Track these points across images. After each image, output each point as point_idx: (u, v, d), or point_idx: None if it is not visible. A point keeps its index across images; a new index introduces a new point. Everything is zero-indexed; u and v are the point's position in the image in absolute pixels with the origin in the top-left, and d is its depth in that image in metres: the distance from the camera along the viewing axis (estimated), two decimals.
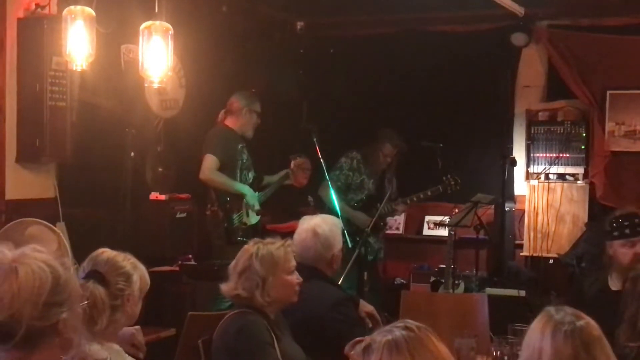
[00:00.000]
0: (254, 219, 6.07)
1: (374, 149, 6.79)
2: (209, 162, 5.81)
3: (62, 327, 1.90)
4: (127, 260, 2.82)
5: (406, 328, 1.79)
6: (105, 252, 2.80)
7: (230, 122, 6.03)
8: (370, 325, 4.09)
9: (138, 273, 2.82)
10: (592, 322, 2.22)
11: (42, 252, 1.94)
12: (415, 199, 6.77)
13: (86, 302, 2.45)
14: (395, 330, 1.79)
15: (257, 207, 6.02)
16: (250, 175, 6.11)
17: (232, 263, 3.46)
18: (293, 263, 3.47)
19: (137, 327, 3.03)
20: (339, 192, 6.48)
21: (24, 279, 1.85)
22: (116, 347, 2.70)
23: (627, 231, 4.04)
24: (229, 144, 5.94)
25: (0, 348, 1.86)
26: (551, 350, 2.15)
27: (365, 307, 4.20)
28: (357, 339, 1.87)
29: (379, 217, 6.53)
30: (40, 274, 1.87)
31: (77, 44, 4.21)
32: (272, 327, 3.35)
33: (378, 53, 8.01)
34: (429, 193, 6.73)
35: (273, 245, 3.44)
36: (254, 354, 3.24)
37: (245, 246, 3.49)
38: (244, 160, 6.03)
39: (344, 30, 8.25)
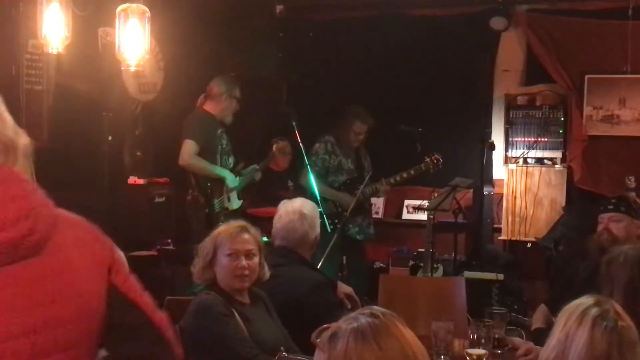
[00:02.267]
0: (235, 204, 6.06)
1: (345, 128, 6.74)
2: (188, 147, 5.78)
3: None
4: None
5: (372, 315, 1.79)
6: None
7: (209, 106, 5.99)
8: (349, 306, 4.12)
9: None
10: (633, 326, 2.23)
11: None
12: (398, 178, 6.71)
13: None
14: (360, 318, 1.78)
15: (238, 189, 6.01)
16: (231, 160, 6.09)
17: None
18: (238, 247, 3.38)
19: None
20: (318, 177, 6.47)
21: None
22: None
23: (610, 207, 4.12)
24: (208, 128, 5.91)
25: None
26: (586, 340, 2.16)
27: (343, 288, 4.22)
28: (324, 326, 1.86)
29: (364, 198, 6.53)
30: None
31: (53, 27, 4.16)
32: (237, 308, 3.34)
33: (357, 36, 7.99)
34: (412, 172, 6.67)
35: (224, 227, 3.45)
36: (214, 328, 3.25)
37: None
38: (224, 145, 6.01)
39: (323, 14, 8.22)
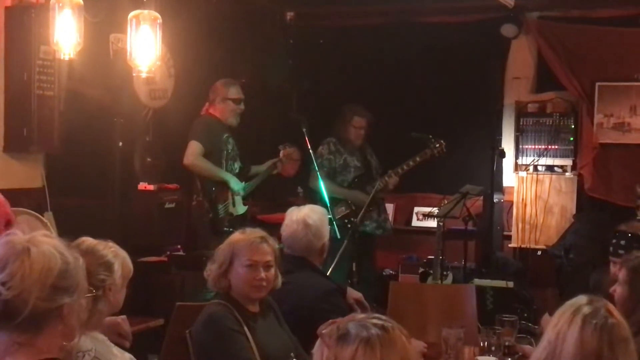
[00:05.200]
0: (240, 209, 6.06)
1: (344, 126, 6.76)
2: (194, 148, 5.80)
3: (66, 313, 1.95)
4: (108, 249, 2.77)
5: (383, 328, 1.81)
6: (86, 242, 2.76)
7: (213, 111, 6.02)
8: (359, 312, 4.11)
9: (119, 261, 2.77)
10: (624, 323, 2.22)
11: (53, 238, 2.01)
12: (405, 167, 6.65)
13: (92, 294, 2.47)
14: (371, 328, 1.80)
15: (241, 193, 6.01)
16: (236, 165, 6.09)
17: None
18: (257, 258, 3.35)
19: (123, 316, 3.01)
20: (327, 178, 6.47)
21: (36, 259, 1.91)
22: (100, 336, 2.68)
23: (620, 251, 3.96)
24: (214, 133, 5.92)
25: (5, 327, 1.90)
26: (576, 339, 2.15)
27: (353, 294, 4.21)
28: (331, 321, 1.88)
29: (375, 192, 6.51)
30: (51, 257, 1.93)
31: (65, 33, 4.17)
32: (245, 318, 3.31)
33: (367, 44, 8.00)
34: (418, 158, 6.60)
35: (242, 235, 3.41)
36: (220, 343, 3.23)
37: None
38: (229, 151, 6.00)
39: (333, 21, 8.24)
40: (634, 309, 3.08)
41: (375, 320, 1.83)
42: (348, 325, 1.83)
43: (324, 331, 1.86)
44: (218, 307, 3.32)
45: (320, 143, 6.72)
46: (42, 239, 1.97)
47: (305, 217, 3.94)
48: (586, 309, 2.19)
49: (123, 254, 2.83)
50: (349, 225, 6.23)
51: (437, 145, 6.59)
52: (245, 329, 3.28)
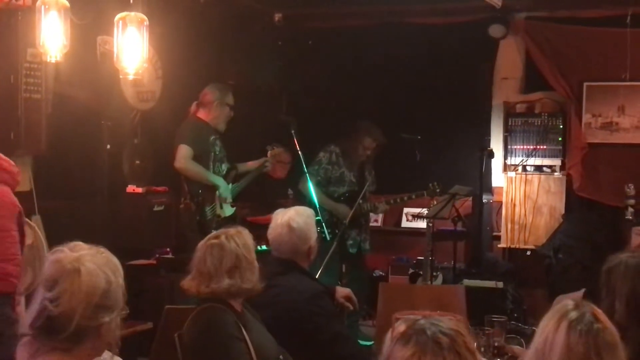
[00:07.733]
0: (228, 210, 6.04)
1: (354, 142, 6.73)
2: (184, 152, 5.77)
3: (104, 330, 2.05)
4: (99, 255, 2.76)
5: (438, 343, 1.73)
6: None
7: (202, 114, 5.98)
8: (351, 308, 4.17)
9: None
10: (611, 328, 2.19)
11: (101, 254, 2.14)
12: (398, 200, 6.78)
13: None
14: (429, 341, 1.73)
15: (229, 199, 5.99)
16: (224, 167, 6.07)
17: (207, 261, 3.29)
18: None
19: None
20: (319, 185, 6.46)
21: (84, 280, 2.02)
22: None
23: None
24: (202, 136, 5.90)
25: (47, 339, 2.00)
26: (563, 344, 2.14)
27: (342, 292, 4.21)
28: (413, 317, 1.81)
29: (361, 213, 6.53)
30: (97, 277, 2.05)
31: (52, 36, 4.15)
32: (240, 320, 3.29)
33: (357, 45, 8.00)
34: (414, 197, 6.73)
35: (241, 234, 3.39)
36: (221, 350, 3.20)
37: (212, 242, 3.31)
38: (217, 153, 5.99)
39: (322, 22, 8.23)
40: (613, 312, 3.09)
41: (439, 336, 1.76)
42: (415, 326, 1.78)
43: (399, 317, 1.82)
44: (219, 312, 3.26)
45: (313, 145, 6.70)
46: (88, 258, 2.08)
47: (289, 220, 3.90)
48: (572, 314, 2.18)
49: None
50: (337, 232, 6.23)
51: (438, 190, 6.64)
52: (244, 332, 3.25)
